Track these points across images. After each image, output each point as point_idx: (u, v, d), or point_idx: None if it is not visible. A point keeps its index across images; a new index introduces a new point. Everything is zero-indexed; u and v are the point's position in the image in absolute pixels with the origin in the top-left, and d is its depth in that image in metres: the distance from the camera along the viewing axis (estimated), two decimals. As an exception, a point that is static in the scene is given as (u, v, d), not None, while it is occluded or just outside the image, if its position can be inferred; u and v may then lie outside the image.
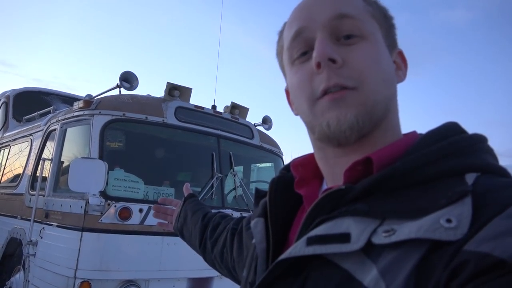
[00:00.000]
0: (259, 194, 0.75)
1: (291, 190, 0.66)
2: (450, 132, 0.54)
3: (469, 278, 0.38)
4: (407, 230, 0.44)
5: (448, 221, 0.42)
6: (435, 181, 0.49)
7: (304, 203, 0.63)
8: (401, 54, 0.65)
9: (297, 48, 0.60)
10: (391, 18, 0.64)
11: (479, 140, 0.54)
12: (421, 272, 0.42)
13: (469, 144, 0.53)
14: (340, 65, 0.55)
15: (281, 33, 0.67)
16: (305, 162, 0.67)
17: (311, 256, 0.49)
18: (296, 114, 0.64)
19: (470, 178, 0.47)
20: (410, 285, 0.41)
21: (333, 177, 0.61)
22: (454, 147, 0.51)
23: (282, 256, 0.52)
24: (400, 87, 0.63)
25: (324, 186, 0.64)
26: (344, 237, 0.47)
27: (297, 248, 0.50)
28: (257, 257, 0.62)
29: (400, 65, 0.64)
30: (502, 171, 0.51)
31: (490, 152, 0.54)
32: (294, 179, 0.66)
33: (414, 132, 0.61)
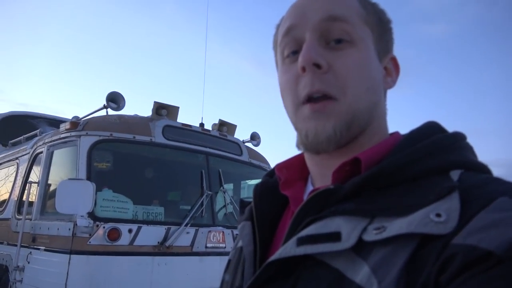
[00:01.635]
0: (243, 204, 0.74)
1: (275, 194, 0.66)
2: (432, 131, 0.56)
3: (458, 271, 0.39)
4: (397, 226, 0.44)
5: (438, 215, 0.43)
6: (421, 179, 0.50)
7: (290, 204, 0.64)
8: (394, 60, 0.65)
9: (288, 45, 0.60)
10: (388, 22, 0.64)
11: (460, 138, 0.56)
12: (412, 266, 0.42)
13: (451, 142, 0.54)
14: (325, 71, 0.55)
15: (278, 27, 0.66)
16: (290, 164, 0.67)
17: (301, 256, 0.49)
18: (285, 109, 0.65)
19: (454, 174, 0.49)
20: (401, 280, 0.41)
21: (321, 178, 0.61)
22: (438, 145, 0.53)
23: (272, 258, 0.51)
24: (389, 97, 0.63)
25: (310, 187, 0.65)
26: (335, 236, 0.47)
27: (288, 249, 0.50)
28: (244, 261, 0.62)
29: (391, 71, 0.64)
30: (484, 168, 0.53)
31: (470, 149, 0.56)
32: (278, 182, 0.66)
33: (397, 133, 0.63)
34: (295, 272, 0.50)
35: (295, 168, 0.67)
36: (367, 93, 0.57)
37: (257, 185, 0.69)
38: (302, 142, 0.58)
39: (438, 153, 0.52)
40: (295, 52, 0.59)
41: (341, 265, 0.46)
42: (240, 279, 0.61)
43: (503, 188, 0.45)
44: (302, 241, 0.49)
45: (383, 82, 0.62)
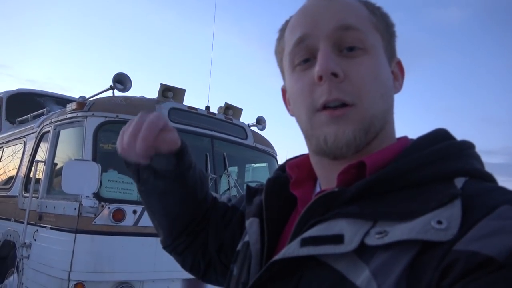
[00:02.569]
0: (250, 191, 0.75)
1: (285, 190, 0.67)
2: (439, 138, 0.56)
3: (460, 276, 0.39)
4: (399, 231, 0.45)
5: (439, 222, 0.43)
6: (425, 185, 0.50)
7: (298, 204, 0.64)
8: (399, 63, 0.65)
9: (299, 54, 0.60)
10: (392, 25, 0.64)
11: (467, 146, 0.56)
12: (412, 272, 0.43)
13: (457, 150, 0.55)
14: (342, 80, 0.55)
15: (282, 32, 0.66)
16: (301, 162, 0.68)
17: (304, 257, 0.50)
18: (292, 115, 0.65)
19: (459, 182, 0.49)
20: (401, 285, 0.42)
21: (327, 181, 0.62)
22: (444, 152, 0.53)
23: (276, 257, 0.52)
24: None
25: (318, 188, 0.65)
26: (338, 239, 0.48)
27: (291, 249, 0.51)
28: (250, 257, 0.63)
29: (397, 75, 0.65)
30: (488, 176, 0.54)
31: (477, 158, 0.56)
32: (289, 179, 0.67)
33: (405, 137, 0.63)
34: (298, 272, 0.51)
35: (305, 167, 0.67)
36: (381, 99, 0.57)
37: (269, 180, 0.69)
38: (320, 147, 0.58)
39: (443, 160, 0.52)
40: (307, 60, 0.59)
41: (343, 267, 0.47)
42: (246, 275, 0.62)
43: (506, 197, 0.46)
44: (305, 242, 0.50)
45: (393, 87, 0.62)
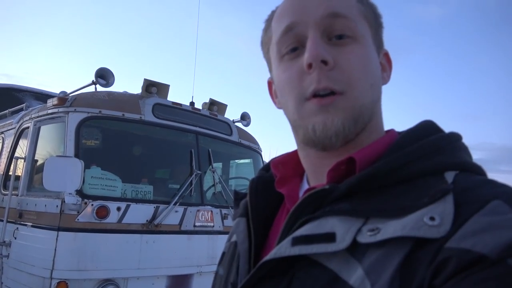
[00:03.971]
0: (237, 196, 0.74)
1: (271, 189, 0.66)
2: (427, 131, 0.56)
3: (452, 274, 0.39)
4: (391, 228, 0.45)
5: (432, 218, 0.43)
6: (416, 180, 0.50)
7: (286, 202, 0.64)
8: (387, 55, 0.65)
9: (287, 43, 0.58)
10: (380, 16, 0.63)
11: (456, 139, 0.56)
12: (406, 270, 0.42)
13: (446, 142, 0.55)
14: (331, 67, 0.54)
15: (268, 22, 0.65)
16: (285, 160, 0.67)
17: (296, 256, 0.49)
18: (279, 108, 0.64)
19: (449, 176, 0.49)
20: (395, 283, 0.42)
21: (316, 176, 0.61)
22: (433, 146, 0.53)
23: (267, 257, 0.51)
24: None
25: (305, 184, 0.65)
26: (329, 237, 0.47)
27: (282, 248, 0.50)
28: (238, 257, 0.62)
29: (385, 66, 0.64)
30: (478, 169, 0.54)
31: (465, 149, 0.57)
32: (274, 178, 0.66)
33: (392, 131, 0.63)
34: (290, 271, 0.51)
35: (290, 164, 0.67)
36: (371, 89, 0.57)
37: (253, 180, 0.68)
38: (308, 137, 0.57)
39: (433, 154, 0.52)
40: (294, 49, 0.58)
41: (336, 266, 0.47)
42: (235, 275, 0.61)
43: (497, 191, 0.46)
44: (297, 241, 0.50)
45: (381, 78, 0.61)
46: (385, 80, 0.64)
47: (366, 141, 0.58)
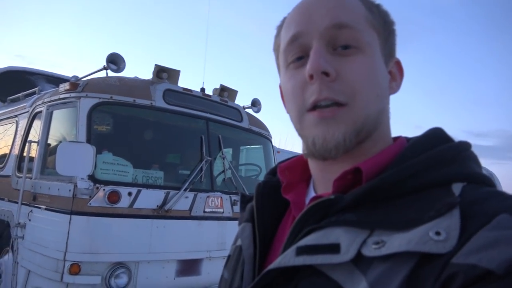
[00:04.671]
0: (244, 199, 0.74)
1: (277, 194, 0.66)
2: (436, 140, 0.56)
3: None
4: (397, 242, 0.44)
5: (437, 233, 0.43)
6: (423, 191, 0.49)
7: (292, 208, 0.64)
8: (398, 63, 0.64)
9: (293, 52, 0.59)
10: (392, 23, 0.63)
11: (464, 148, 0.56)
12: (411, 285, 0.42)
13: (455, 153, 0.54)
14: (333, 79, 0.54)
15: (279, 29, 0.65)
16: (292, 165, 0.67)
17: (300, 265, 0.49)
18: (288, 113, 0.64)
19: (456, 188, 0.49)
20: None
21: (322, 182, 0.61)
22: (441, 156, 0.53)
23: (271, 266, 0.52)
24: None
25: (311, 191, 0.65)
26: (334, 248, 0.48)
27: (287, 258, 0.50)
28: (243, 262, 0.62)
29: (395, 75, 0.63)
30: (486, 180, 0.53)
31: (474, 159, 0.56)
32: (281, 183, 0.66)
33: (401, 138, 0.62)
34: (294, 279, 0.51)
35: (297, 169, 0.67)
36: (376, 100, 0.56)
37: (259, 185, 0.68)
38: (309, 149, 0.57)
39: (440, 165, 0.52)
40: (300, 58, 0.58)
41: (340, 277, 0.47)
42: (239, 280, 0.62)
43: (504, 205, 0.45)
44: (301, 251, 0.50)
45: (388, 88, 0.61)
46: (394, 89, 0.63)
47: (372, 150, 0.57)
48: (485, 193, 0.49)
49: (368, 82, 0.55)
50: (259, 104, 4.65)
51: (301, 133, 0.59)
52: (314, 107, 0.55)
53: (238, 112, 4.30)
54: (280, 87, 0.71)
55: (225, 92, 4.29)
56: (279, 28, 0.65)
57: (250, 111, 4.58)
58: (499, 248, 0.40)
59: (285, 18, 0.64)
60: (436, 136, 0.57)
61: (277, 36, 0.65)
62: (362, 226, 0.48)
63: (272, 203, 0.66)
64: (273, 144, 4.77)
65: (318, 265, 0.49)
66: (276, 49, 0.66)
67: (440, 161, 0.52)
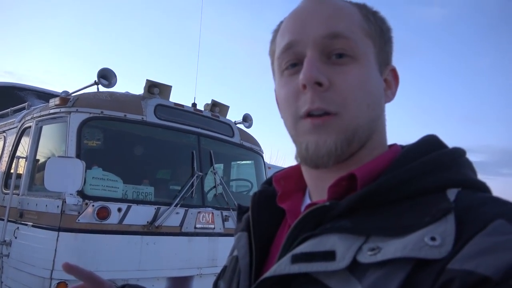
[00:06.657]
0: (241, 210, 0.74)
1: (273, 203, 0.65)
2: (430, 147, 0.56)
3: None
4: (392, 248, 0.44)
5: (433, 239, 0.43)
6: (418, 197, 0.49)
7: (287, 217, 0.63)
8: (394, 71, 0.64)
9: (287, 59, 0.59)
10: (388, 30, 0.63)
11: (459, 155, 0.56)
12: None
13: (449, 159, 0.54)
14: (326, 88, 0.54)
15: (275, 33, 0.65)
16: (287, 174, 0.67)
17: (296, 273, 0.49)
18: (282, 118, 0.64)
19: (451, 194, 0.49)
20: None
21: (317, 190, 0.61)
22: (436, 162, 0.53)
23: (267, 274, 0.51)
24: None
25: (307, 199, 0.64)
26: (329, 255, 0.47)
27: (282, 266, 0.50)
28: (239, 272, 0.62)
29: (390, 83, 0.63)
30: (481, 186, 0.53)
31: (469, 165, 0.56)
32: (277, 192, 0.66)
33: (395, 146, 0.62)
34: (290, 286, 0.50)
35: (293, 178, 0.66)
36: (368, 110, 0.56)
37: (255, 194, 0.68)
38: (302, 155, 0.57)
39: (435, 171, 0.52)
40: (294, 65, 0.58)
41: (336, 284, 0.47)
42: None
43: (499, 210, 0.45)
44: (296, 259, 0.49)
45: (383, 96, 0.61)
46: (389, 98, 0.63)
47: (367, 158, 0.57)
48: (481, 198, 0.49)
49: (360, 92, 0.55)
50: (251, 119, 4.66)
51: (295, 139, 0.59)
52: (307, 115, 0.55)
53: (229, 127, 4.31)
54: (275, 91, 0.71)
55: (217, 107, 4.30)
56: (275, 32, 0.65)
57: (241, 126, 4.59)
58: (495, 254, 0.39)
59: (281, 23, 0.64)
60: (431, 143, 0.57)
61: (273, 41, 0.65)
62: (357, 232, 0.48)
63: (269, 212, 0.65)
64: (265, 159, 4.77)
65: (313, 272, 0.48)
66: (271, 54, 0.66)
67: (435, 167, 0.52)
